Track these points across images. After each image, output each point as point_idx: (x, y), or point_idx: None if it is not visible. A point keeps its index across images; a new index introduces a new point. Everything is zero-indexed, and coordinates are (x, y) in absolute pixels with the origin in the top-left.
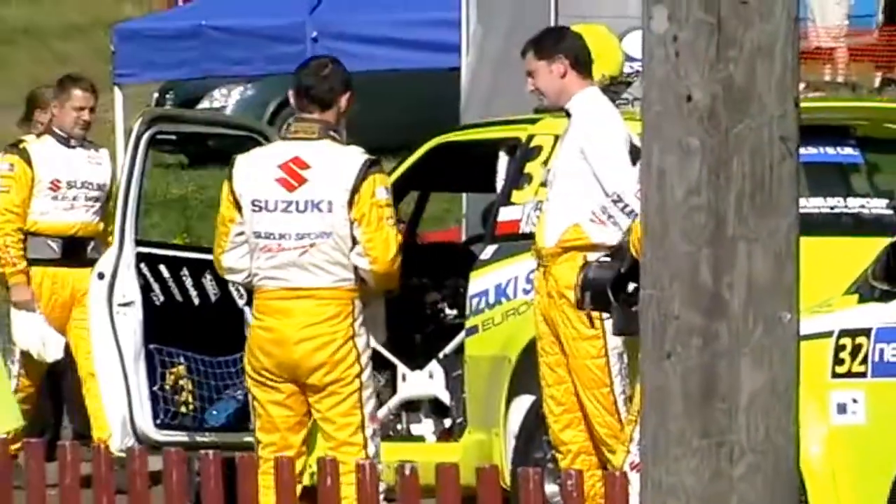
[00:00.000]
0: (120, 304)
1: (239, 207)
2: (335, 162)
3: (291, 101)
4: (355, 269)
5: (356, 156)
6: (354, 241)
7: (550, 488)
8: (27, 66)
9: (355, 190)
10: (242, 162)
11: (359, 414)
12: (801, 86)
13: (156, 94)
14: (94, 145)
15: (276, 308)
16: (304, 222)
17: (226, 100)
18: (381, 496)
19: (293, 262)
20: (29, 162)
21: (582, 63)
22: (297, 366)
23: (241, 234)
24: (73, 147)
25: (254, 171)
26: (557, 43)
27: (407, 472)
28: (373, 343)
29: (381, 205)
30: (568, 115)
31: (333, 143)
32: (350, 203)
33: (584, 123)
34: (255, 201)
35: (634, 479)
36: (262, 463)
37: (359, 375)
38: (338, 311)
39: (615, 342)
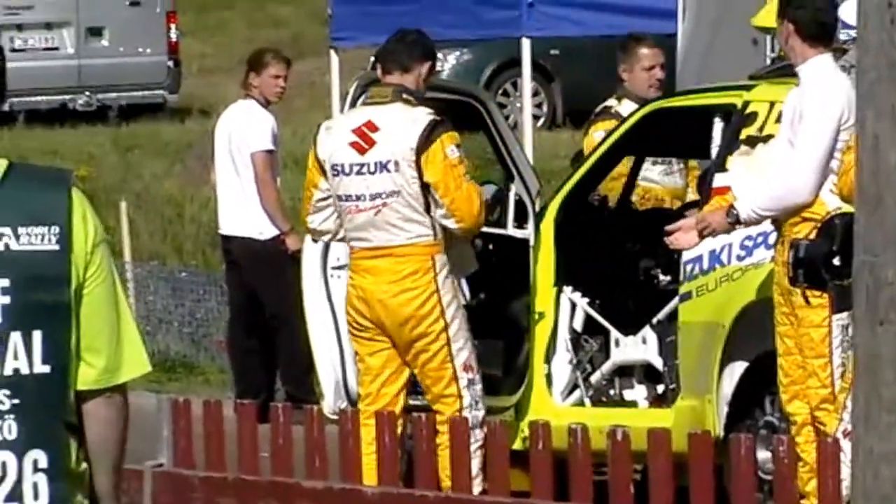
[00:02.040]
0: (334, 267)
1: (324, 172)
2: (402, 122)
3: (377, 70)
4: (433, 224)
5: (422, 116)
6: (427, 199)
7: (762, 455)
8: (244, 29)
9: (420, 150)
10: (324, 128)
11: (450, 367)
12: None
13: (372, 58)
14: None
15: (363, 267)
16: (376, 182)
17: (442, 64)
18: (476, 445)
19: (370, 223)
20: None
21: (805, 31)
22: (384, 323)
23: (325, 198)
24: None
25: (332, 136)
26: (788, 4)
27: (619, 436)
28: (587, 308)
29: (454, 164)
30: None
31: (405, 105)
32: (417, 162)
33: (803, 97)
34: (334, 166)
35: (847, 446)
36: (362, 417)
37: (445, 330)
38: (417, 268)
39: (841, 314)
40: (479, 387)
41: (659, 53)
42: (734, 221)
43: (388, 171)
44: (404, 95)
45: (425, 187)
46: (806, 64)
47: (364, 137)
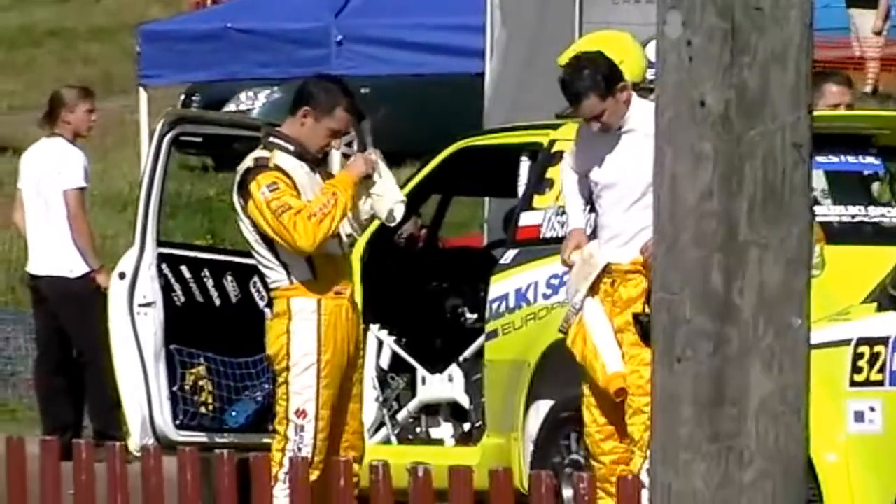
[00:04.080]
0: (140, 305)
1: None
2: (239, 171)
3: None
4: (286, 268)
5: (246, 163)
6: (267, 242)
7: (568, 492)
8: (53, 67)
9: (243, 200)
10: None
11: (284, 405)
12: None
13: (182, 97)
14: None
15: None
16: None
17: (252, 102)
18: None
19: None
20: None
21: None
22: None
23: None
24: None
25: None
26: (611, 75)
27: (420, 473)
28: (393, 346)
29: (267, 202)
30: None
31: (260, 150)
32: (244, 209)
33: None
34: None
35: (648, 483)
36: None
37: (287, 370)
38: (278, 310)
39: None
40: (310, 434)
41: (846, 92)
42: None
43: (238, 218)
44: (271, 139)
45: (264, 236)
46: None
47: None
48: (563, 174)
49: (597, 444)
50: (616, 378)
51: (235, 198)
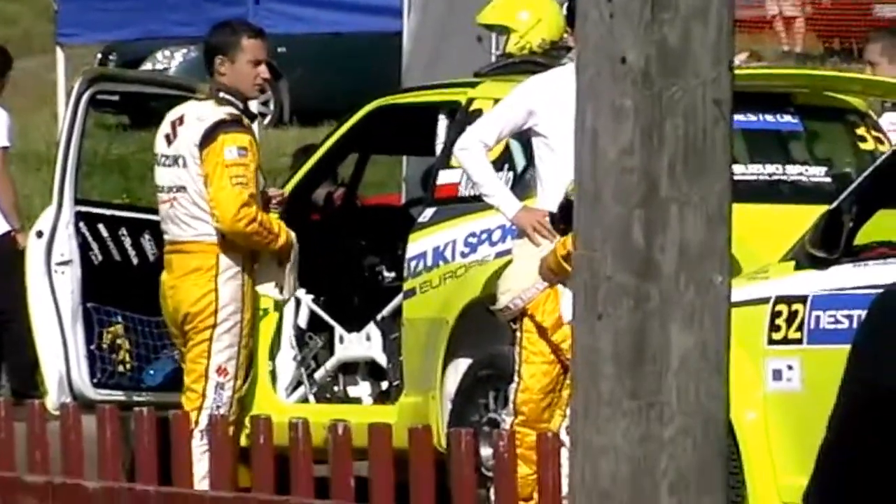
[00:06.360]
0: (58, 263)
1: None
2: (196, 119)
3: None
4: None
5: (216, 114)
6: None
7: (486, 451)
8: None
9: (202, 146)
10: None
11: (203, 363)
12: (745, 55)
13: (99, 55)
14: None
15: (165, 261)
16: (170, 176)
17: (169, 61)
18: (204, 448)
19: (167, 215)
20: None
21: None
22: (173, 317)
23: None
24: None
25: (161, 126)
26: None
27: (339, 430)
28: (311, 305)
29: (226, 164)
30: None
31: (217, 103)
32: (201, 159)
33: None
34: (154, 155)
35: (568, 441)
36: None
37: (212, 328)
38: (199, 265)
39: None
40: (228, 393)
41: None
42: None
43: (179, 165)
44: (222, 94)
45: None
46: None
47: (173, 130)
48: (475, 154)
49: (538, 413)
50: None
51: (195, 144)
